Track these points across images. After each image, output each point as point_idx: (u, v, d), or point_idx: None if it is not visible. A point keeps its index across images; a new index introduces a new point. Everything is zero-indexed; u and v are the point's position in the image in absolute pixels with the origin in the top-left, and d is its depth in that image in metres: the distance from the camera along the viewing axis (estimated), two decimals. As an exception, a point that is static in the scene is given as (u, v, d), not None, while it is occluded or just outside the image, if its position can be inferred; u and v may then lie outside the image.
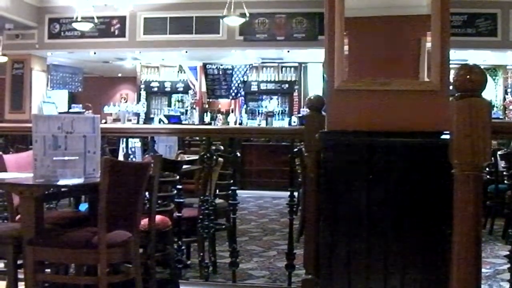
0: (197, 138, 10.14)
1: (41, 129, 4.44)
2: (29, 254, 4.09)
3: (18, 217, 4.76)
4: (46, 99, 17.25)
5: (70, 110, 17.72)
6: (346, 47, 3.97)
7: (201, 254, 5.80)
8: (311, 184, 4.63)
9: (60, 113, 16.04)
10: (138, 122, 17.91)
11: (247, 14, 13.54)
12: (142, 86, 19.22)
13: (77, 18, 14.05)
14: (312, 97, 4.74)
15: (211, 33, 15.37)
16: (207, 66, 18.21)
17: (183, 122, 17.30)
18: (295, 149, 6.25)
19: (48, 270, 4.62)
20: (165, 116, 17.00)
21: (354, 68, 3.97)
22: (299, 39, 15.25)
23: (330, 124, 3.97)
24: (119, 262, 4.37)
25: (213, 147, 6.28)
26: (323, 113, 4.48)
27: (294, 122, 16.79)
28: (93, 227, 4.14)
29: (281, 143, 13.52)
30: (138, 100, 19.17)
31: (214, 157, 5.99)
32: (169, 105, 19.16)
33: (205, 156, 5.73)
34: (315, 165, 4.51)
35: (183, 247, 5.77)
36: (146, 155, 5.74)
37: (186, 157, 6.99)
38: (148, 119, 18.67)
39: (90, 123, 4.61)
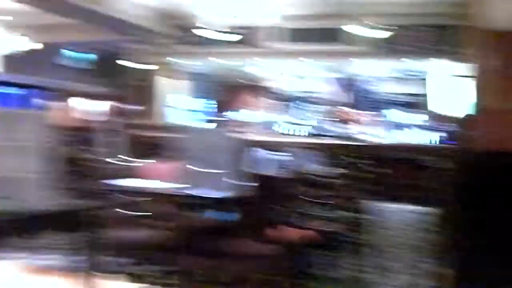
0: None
1: (189, 141, 4.57)
2: (177, 262, 4.21)
3: (162, 224, 4.90)
4: (182, 106, 17.65)
5: (210, 119, 18.00)
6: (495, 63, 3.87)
7: (344, 267, 5.79)
8: (455, 202, 4.53)
9: (202, 123, 16.40)
10: (279, 133, 17.93)
11: (385, 26, 13.43)
12: (280, 95, 19.29)
13: (213, 26, 14.28)
14: (457, 115, 4.65)
15: (350, 44, 15.32)
16: (345, 77, 18.15)
17: (320, 134, 17.25)
18: (436, 165, 6.13)
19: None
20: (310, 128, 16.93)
21: (506, 85, 3.86)
22: (433, 51, 14.95)
23: (479, 143, 3.88)
24: (265, 274, 4.42)
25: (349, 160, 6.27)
26: (467, 131, 4.37)
27: (430, 137, 16.38)
28: (239, 237, 4.22)
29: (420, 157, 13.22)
30: (275, 109, 19.26)
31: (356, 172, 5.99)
32: (306, 116, 19.15)
33: (349, 171, 5.73)
34: (460, 183, 4.41)
35: (327, 261, 5.78)
36: (292, 169, 5.79)
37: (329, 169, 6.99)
38: (287, 130, 18.67)
39: (232, 137, 4.72)
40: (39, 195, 3.33)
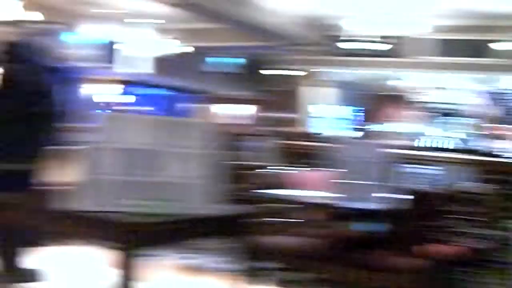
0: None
1: (338, 151, 4.65)
2: (324, 271, 4.28)
3: (310, 233, 4.98)
4: (327, 115, 17.72)
5: (356, 128, 17.94)
6: None
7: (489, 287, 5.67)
8: None
9: (348, 132, 16.42)
10: (426, 146, 17.63)
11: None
12: (427, 108, 18.95)
13: (360, 37, 14.27)
14: None
15: (500, 57, 14.91)
16: (494, 92, 17.64)
17: (467, 149, 16.82)
18: None
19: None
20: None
21: None
22: None
23: None
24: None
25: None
26: None
27: None
28: (386, 250, 4.24)
29: None
30: (422, 122, 18.93)
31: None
32: (453, 129, 18.71)
33: (499, 189, 5.61)
34: None
35: (472, 279, 5.67)
36: (442, 184, 5.74)
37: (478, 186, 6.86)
38: (434, 143, 18.32)
39: (381, 148, 4.74)
40: (198, 200, 3.47)
